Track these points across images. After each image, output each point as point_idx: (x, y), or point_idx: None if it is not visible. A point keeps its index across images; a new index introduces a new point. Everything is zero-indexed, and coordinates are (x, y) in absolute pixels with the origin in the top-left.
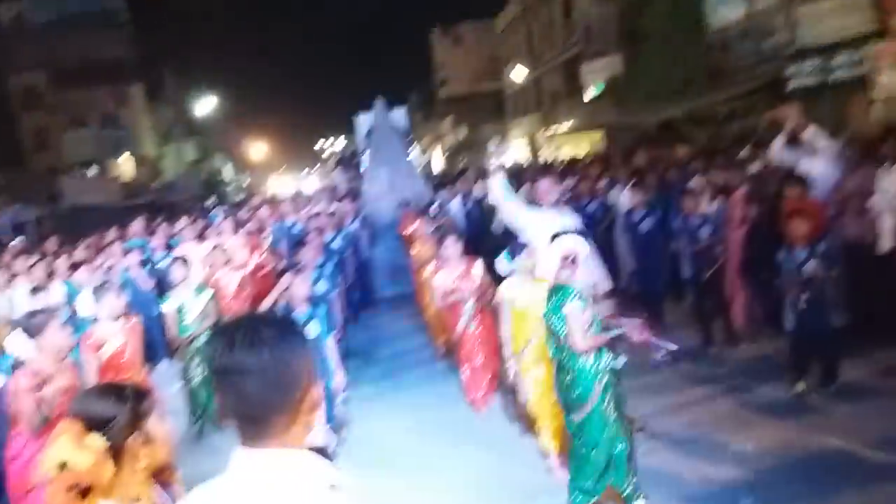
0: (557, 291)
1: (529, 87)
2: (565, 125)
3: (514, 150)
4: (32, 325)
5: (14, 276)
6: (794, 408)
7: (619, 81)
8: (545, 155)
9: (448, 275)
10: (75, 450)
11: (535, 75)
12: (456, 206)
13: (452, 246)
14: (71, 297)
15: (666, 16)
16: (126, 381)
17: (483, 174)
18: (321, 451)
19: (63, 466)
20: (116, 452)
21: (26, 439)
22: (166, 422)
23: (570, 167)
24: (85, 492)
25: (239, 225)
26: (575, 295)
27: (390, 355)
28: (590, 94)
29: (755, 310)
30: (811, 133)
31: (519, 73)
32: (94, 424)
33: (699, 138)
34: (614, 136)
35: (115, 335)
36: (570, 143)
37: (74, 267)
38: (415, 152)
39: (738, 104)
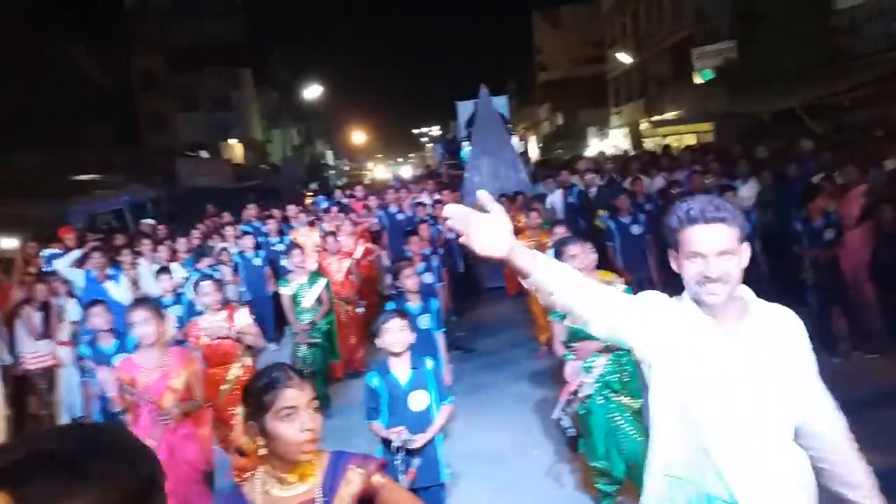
0: None
1: (633, 72)
2: (671, 114)
3: (615, 139)
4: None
5: (139, 255)
6: None
7: (732, 67)
8: (648, 146)
9: None
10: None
11: (640, 60)
12: (557, 198)
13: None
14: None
15: None
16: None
17: (588, 165)
18: None
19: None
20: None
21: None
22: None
23: (679, 158)
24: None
25: (345, 211)
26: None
27: (491, 348)
28: (699, 80)
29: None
30: None
31: (625, 56)
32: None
33: (818, 131)
34: (724, 128)
35: (217, 325)
36: (675, 133)
37: (193, 250)
38: (514, 140)
39: (865, 92)
